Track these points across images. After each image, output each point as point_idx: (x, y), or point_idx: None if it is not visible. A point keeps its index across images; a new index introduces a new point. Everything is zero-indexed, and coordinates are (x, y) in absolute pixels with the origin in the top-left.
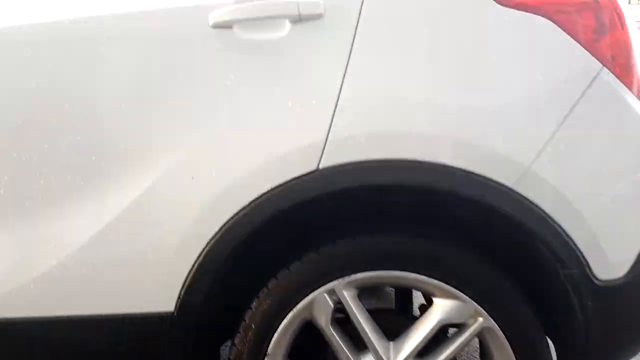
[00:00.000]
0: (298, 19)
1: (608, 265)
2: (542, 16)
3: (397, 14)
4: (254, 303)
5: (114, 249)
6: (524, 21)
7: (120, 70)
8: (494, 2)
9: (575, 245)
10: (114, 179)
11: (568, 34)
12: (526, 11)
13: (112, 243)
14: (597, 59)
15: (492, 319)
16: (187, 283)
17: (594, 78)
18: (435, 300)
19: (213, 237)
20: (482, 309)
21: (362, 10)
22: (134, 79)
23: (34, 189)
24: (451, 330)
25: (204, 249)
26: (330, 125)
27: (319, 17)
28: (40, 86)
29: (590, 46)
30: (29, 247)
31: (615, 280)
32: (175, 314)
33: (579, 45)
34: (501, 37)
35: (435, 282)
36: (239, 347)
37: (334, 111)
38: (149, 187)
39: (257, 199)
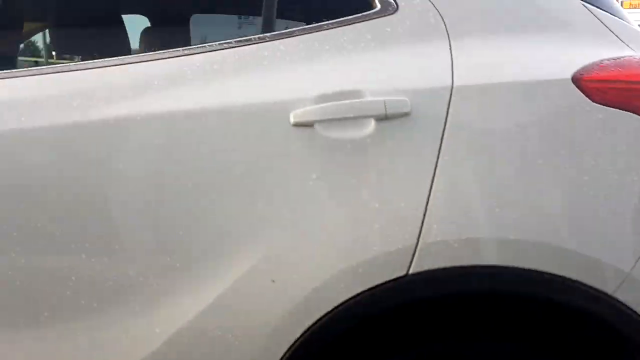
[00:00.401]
0: (384, 118)
1: None
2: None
3: (486, 113)
4: None
5: (187, 356)
6: (620, 119)
7: (198, 166)
8: (588, 100)
9: None
10: (188, 281)
11: None
12: (622, 109)
13: (185, 350)
14: None
15: None
16: None
17: None
18: None
19: (293, 344)
20: None
21: (450, 108)
22: (212, 176)
23: (103, 290)
24: None
25: (284, 356)
26: (421, 229)
27: (405, 115)
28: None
29: None
30: (99, 351)
31: None
32: None
33: None
34: (597, 137)
35: None
36: None
37: (424, 214)
38: (225, 291)
39: (341, 304)
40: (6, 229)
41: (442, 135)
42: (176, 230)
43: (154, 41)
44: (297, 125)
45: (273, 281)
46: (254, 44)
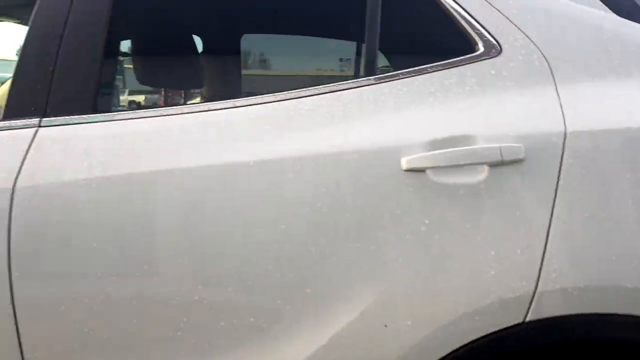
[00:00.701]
0: (499, 164)
1: None
2: None
3: (600, 158)
4: None
5: None
6: None
7: (308, 210)
8: None
9: None
10: (299, 323)
11: None
12: None
13: None
14: None
15: None
16: None
17: None
18: None
19: None
20: None
21: (564, 154)
22: (323, 221)
23: (215, 331)
24: None
25: None
26: (539, 276)
27: (519, 161)
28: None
29: None
30: None
31: None
32: None
33: None
34: None
35: None
36: None
37: (542, 261)
38: (337, 335)
39: (455, 351)
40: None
41: (557, 181)
42: (288, 274)
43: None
44: (409, 170)
45: (385, 326)
46: (359, 87)
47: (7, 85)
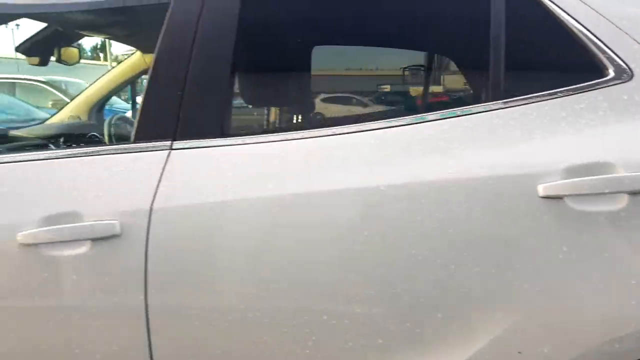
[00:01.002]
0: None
1: None
2: None
3: None
4: None
5: None
6: None
7: (440, 235)
8: None
9: None
10: (430, 348)
11: None
12: None
13: None
14: None
15: None
16: None
17: None
18: None
19: None
20: None
21: None
22: (457, 246)
23: (344, 351)
24: None
25: None
26: None
27: None
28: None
29: None
30: None
31: None
32: None
33: None
34: None
35: None
36: None
37: None
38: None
39: None
40: None
41: None
42: (419, 298)
43: None
44: (546, 197)
45: (519, 352)
46: (487, 111)
47: (83, 96)
